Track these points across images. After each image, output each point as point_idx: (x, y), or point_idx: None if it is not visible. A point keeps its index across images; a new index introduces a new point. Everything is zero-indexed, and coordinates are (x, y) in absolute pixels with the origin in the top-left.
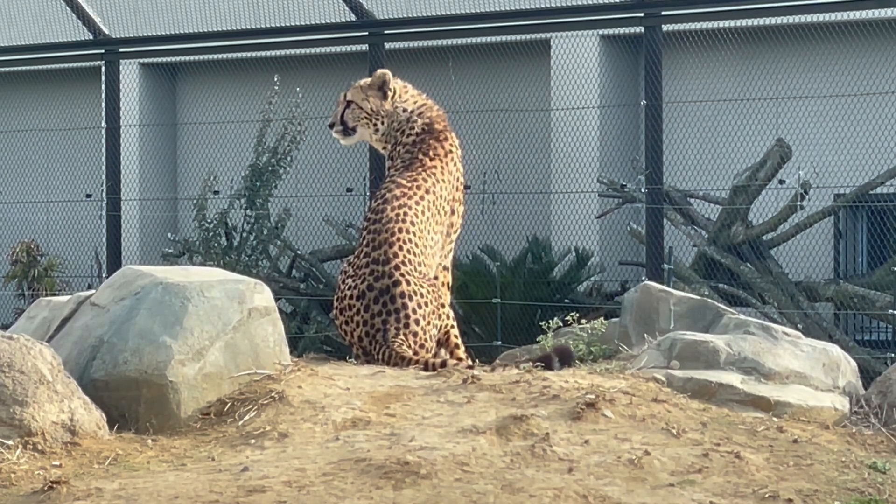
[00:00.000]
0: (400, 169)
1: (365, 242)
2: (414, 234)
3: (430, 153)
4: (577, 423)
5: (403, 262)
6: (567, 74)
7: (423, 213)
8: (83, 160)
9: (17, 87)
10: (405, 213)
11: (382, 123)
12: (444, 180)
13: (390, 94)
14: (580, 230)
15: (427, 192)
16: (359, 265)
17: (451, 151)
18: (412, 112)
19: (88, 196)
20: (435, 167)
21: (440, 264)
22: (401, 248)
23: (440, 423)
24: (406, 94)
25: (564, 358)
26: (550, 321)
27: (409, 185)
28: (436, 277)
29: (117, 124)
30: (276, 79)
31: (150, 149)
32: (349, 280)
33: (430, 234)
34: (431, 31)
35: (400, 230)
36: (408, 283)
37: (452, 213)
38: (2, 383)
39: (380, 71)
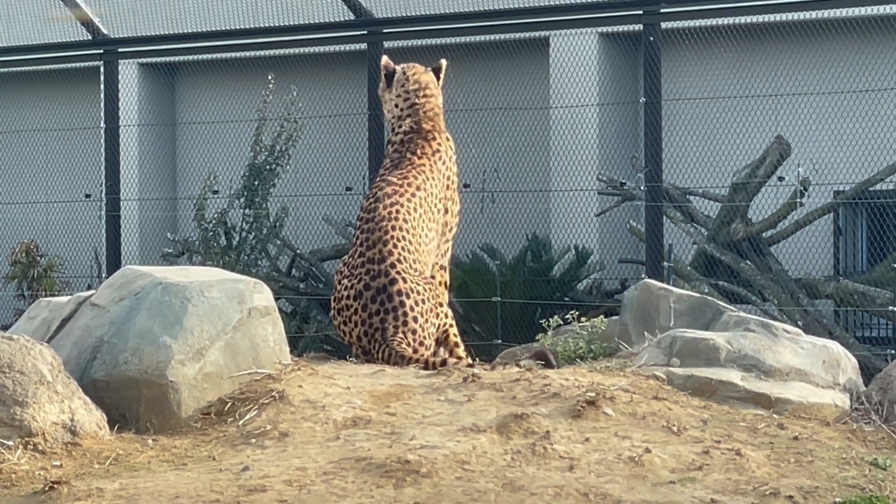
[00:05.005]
0: (389, 168)
1: (359, 242)
2: (407, 231)
3: (418, 151)
4: (578, 421)
5: (399, 260)
6: (566, 72)
7: (415, 209)
8: (82, 160)
9: (17, 87)
10: (397, 211)
11: (387, 112)
12: (433, 178)
13: (382, 84)
14: (580, 228)
15: (418, 189)
16: (354, 265)
17: (438, 150)
18: (402, 110)
19: (88, 196)
20: (424, 165)
21: (437, 264)
22: (395, 247)
23: (441, 421)
24: (400, 89)
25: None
26: (550, 319)
27: (400, 182)
28: (433, 277)
29: (116, 124)
30: (270, 77)
31: (149, 149)
32: (345, 280)
33: (424, 230)
34: (430, 29)
35: (393, 228)
36: (404, 280)
37: (446, 211)
38: (2, 384)
39: (383, 59)
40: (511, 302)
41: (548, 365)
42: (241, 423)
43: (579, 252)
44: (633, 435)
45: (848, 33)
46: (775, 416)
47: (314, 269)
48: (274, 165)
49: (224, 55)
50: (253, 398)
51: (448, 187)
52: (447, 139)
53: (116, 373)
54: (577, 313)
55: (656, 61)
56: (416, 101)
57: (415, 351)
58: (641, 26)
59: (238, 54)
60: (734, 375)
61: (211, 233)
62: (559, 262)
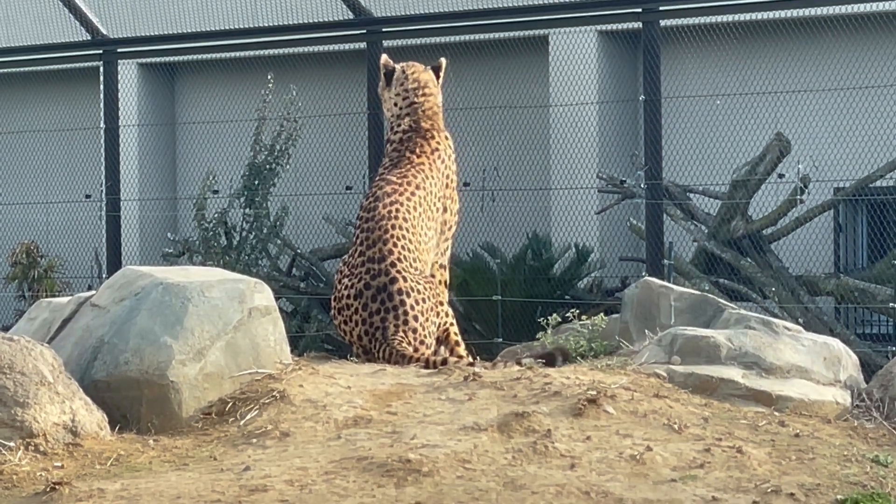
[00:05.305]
0: (389, 167)
1: (359, 241)
2: (407, 230)
3: (417, 150)
4: (579, 420)
5: (399, 259)
6: (565, 70)
7: (414, 208)
8: (82, 161)
9: (16, 87)
10: (397, 210)
11: (387, 111)
12: (432, 177)
13: (382, 83)
14: (580, 226)
15: (417, 188)
16: (354, 264)
17: (437, 149)
18: (401, 109)
19: (88, 196)
20: (423, 164)
21: (437, 262)
22: (395, 245)
23: (442, 420)
24: (399, 87)
25: (564, 356)
26: (551, 318)
27: (400, 181)
28: (433, 275)
29: (116, 124)
30: (269, 77)
31: (148, 149)
32: (345, 280)
33: (423, 229)
34: (429, 28)
35: (393, 227)
36: (404, 279)
37: (445, 210)
38: (3, 385)
39: (382, 57)
40: (512, 300)
41: (549, 363)
42: (242, 422)
43: (580, 250)
44: (634, 433)
45: (847, 30)
46: (776, 413)
47: (314, 269)
48: (274, 165)
49: (223, 55)
50: (254, 398)
51: (447, 186)
52: (446, 138)
53: (117, 373)
54: (577, 311)
55: (655, 59)
56: (416, 99)
57: (415, 350)
58: (640, 24)
59: (238, 54)
60: (735, 373)
61: (211, 233)
62: (560, 261)
